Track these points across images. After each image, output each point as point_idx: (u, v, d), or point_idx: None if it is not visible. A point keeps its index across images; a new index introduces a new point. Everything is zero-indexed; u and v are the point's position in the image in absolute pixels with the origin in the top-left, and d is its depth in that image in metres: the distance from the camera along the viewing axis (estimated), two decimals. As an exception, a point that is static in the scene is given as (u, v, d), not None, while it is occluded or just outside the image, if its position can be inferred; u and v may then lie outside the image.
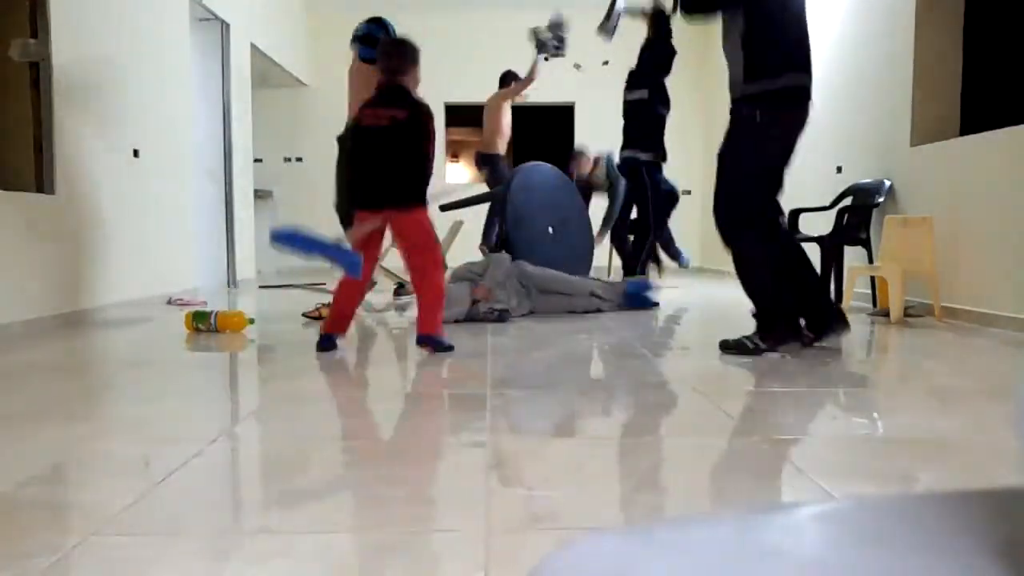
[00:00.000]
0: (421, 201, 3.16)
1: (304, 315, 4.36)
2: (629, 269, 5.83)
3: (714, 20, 3.20)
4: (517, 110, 6.87)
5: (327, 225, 4.82)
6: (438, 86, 7.62)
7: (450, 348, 3.17)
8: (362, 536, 1.27)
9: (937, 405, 2.22)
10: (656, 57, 5.12)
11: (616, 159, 6.00)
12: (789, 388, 2.49)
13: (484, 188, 6.75)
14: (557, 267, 4.74)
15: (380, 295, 5.74)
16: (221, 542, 1.23)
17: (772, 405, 2.26)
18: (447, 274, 3.82)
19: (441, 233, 3.83)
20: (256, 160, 8.05)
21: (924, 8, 4.59)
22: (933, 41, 4.60)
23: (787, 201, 3.24)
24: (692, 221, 9.11)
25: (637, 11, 5.11)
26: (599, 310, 4.65)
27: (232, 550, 1.20)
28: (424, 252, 3.20)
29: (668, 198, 5.54)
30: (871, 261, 4.77)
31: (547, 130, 10.81)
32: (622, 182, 6.05)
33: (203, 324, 3.78)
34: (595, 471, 1.62)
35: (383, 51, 3.25)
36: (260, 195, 8.18)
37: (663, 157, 5.40)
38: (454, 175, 13.07)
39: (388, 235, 3.31)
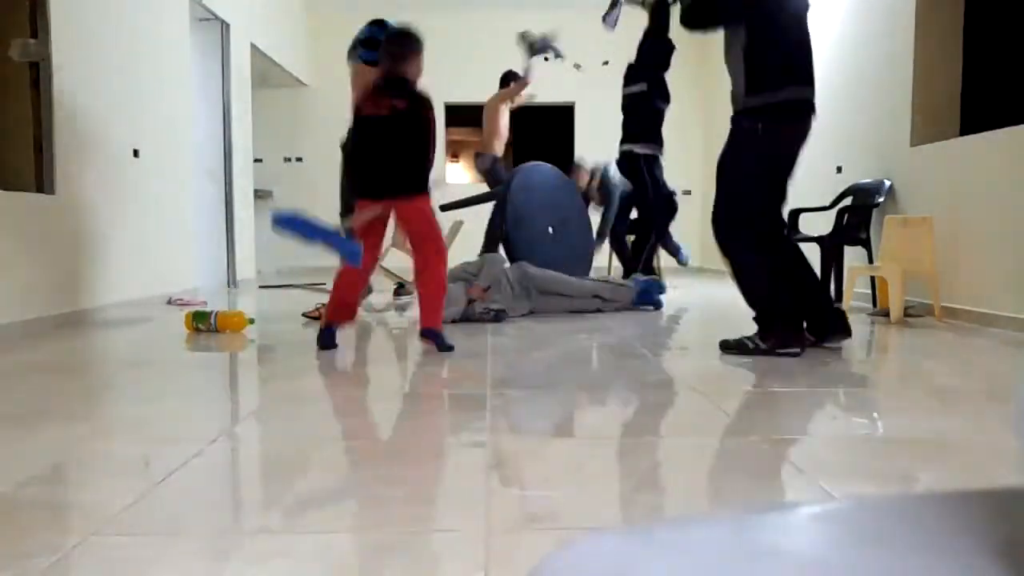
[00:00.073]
0: (423, 189, 3.16)
1: (304, 315, 4.36)
2: (629, 271, 5.83)
3: (714, 33, 3.21)
4: (517, 110, 6.86)
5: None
6: (438, 86, 7.60)
7: (450, 348, 3.17)
8: (362, 536, 1.27)
9: (937, 405, 2.22)
10: (655, 52, 5.11)
11: (612, 171, 6.02)
12: (789, 388, 2.49)
13: (484, 188, 6.75)
14: (557, 267, 4.74)
15: (380, 295, 5.74)
16: (221, 542, 1.23)
17: (772, 405, 2.26)
18: None
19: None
20: (256, 160, 8.05)
21: (924, 8, 4.59)
22: (933, 41, 4.60)
23: (787, 201, 3.24)
24: (692, 221, 9.11)
25: (639, 1, 5.10)
26: (599, 311, 4.65)
27: (232, 550, 1.20)
28: (427, 241, 3.19)
29: (667, 204, 5.51)
30: (871, 261, 4.77)
31: (547, 130, 10.80)
32: (617, 194, 6.09)
33: (203, 324, 3.78)
34: (595, 471, 1.62)
35: (386, 40, 3.25)
36: (260, 195, 8.17)
37: (660, 150, 5.39)
38: (454, 175, 13.07)
39: (388, 235, 3.31)
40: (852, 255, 4.96)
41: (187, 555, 1.19)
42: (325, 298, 3.68)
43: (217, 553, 1.19)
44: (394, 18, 4.59)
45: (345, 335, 3.77)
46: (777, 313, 3.08)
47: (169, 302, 5.19)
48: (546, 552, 0.40)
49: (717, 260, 9.28)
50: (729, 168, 3.11)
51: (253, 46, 7.35)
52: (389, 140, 3.10)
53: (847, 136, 5.43)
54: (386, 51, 3.21)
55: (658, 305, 4.87)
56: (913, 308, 4.37)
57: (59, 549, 1.19)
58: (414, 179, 3.14)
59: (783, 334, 3.05)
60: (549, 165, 5.59)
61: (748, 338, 3.08)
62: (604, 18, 5.01)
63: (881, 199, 4.78)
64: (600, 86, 8.64)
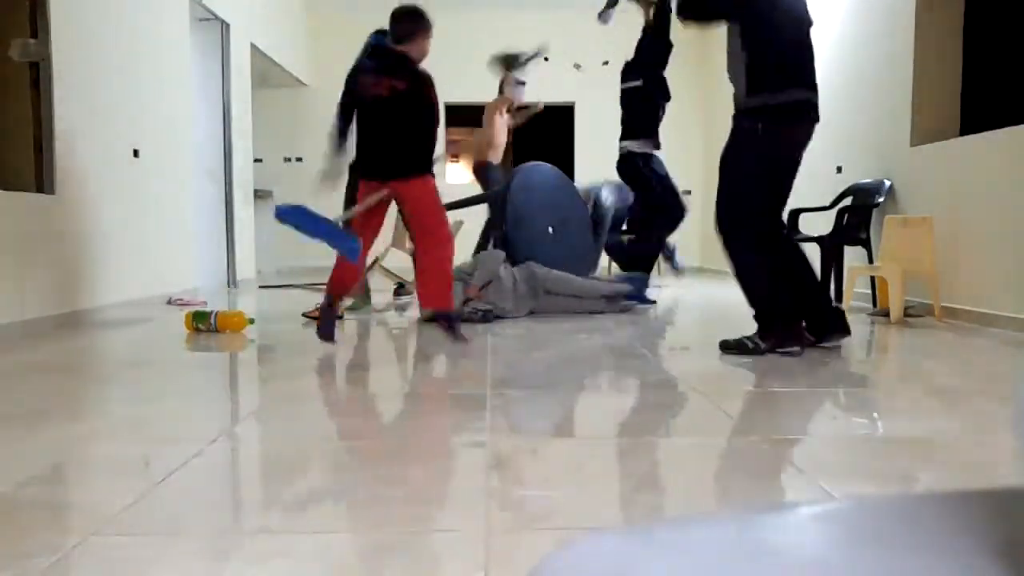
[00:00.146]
0: (426, 170, 3.14)
1: (304, 315, 4.36)
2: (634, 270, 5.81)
3: (708, 28, 3.21)
4: (522, 125, 6.85)
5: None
6: (438, 86, 7.62)
7: (464, 339, 3.10)
8: (362, 536, 1.27)
9: (937, 405, 2.22)
10: (653, 51, 5.10)
11: (604, 194, 6.07)
12: (789, 388, 2.49)
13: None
14: (557, 267, 4.74)
15: (380, 295, 5.74)
16: (221, 542, 1.23)
17: (772, 405, 2.26)
18: None
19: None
20: (256, 160, 8.05)
21: (924, 8, 4.59)
22: (933, 41, 4.60)
23: (787, 203, 3.24)
24: (692, 221, 9.06)
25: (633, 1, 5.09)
26: (601, 311, 4.65)
27: (232, 550, 1.20)
28: (431, 219, 3.13)
29: (676, 202, 5.45)
30: (871, 261, 4.76)
31: (547, 130, 10.80)
32: (609, 217, 6.15)
33: (203, 324, 3.78)
34: (595, 471, 1.62)
35: (395, 17, 3.22)
36: (260, 195, 8.17)
37: (656, 146, 5.36)
38: (454, 175, 13.07)
39: (388, 236, 3.31)
40: (852, 255, 4.96)
41: (187, 555, 1.19)
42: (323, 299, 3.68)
43: (217, 553, 1.19)
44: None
45: (346, 335, 3.77)
46: (776, 313, 3.08)
47: (169, 302, 5.19)
48: (546, 552, 0.39)
49: (717, 260, 9.29)
50: (730, 167, 3.12)
51: (253, 46, 7.35)
52: (390, 121, 3.07)
53: (847, 136, 5.43)
54: (394, 27, 3.18)
55: (643, 300, 4.88)
56: (913, 308, 4.37)
57: (59, 549, 1.19)
58: (417, 160, 3.11)
59: (782, 334, 3.05)
60: (549, 165, 5.58)
61: (748, 338, 3.08)
62: (600, 15, 5.01)
63: (881, 199, 4.78)
64: (600, 86, 8.64)
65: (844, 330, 3.19)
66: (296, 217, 2.94)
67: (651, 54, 5.09)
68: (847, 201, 5.06)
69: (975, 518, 0.38)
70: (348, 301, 4.76)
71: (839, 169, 5.52)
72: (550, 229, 5.26)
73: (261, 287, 6.85)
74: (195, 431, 1.94)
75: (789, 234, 3.26)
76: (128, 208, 4.89)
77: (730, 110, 3.15)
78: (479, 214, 6.68)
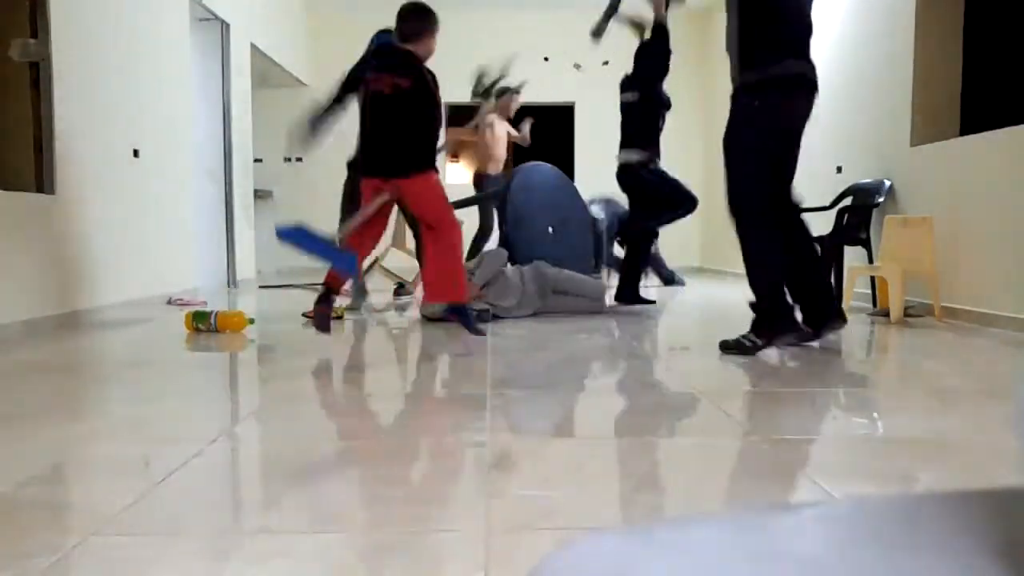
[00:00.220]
0: (429, 166, 3.13)
1: (304, 315, 4.36)
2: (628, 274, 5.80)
3: None
4: (518, 109, 6.87)
5: (326, 226, 4.83)
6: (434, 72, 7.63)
7: (482, 332, 3.08)
8: (362, 536, 1.27)
9: (937, 405, 2.22)
10: (651, 65, 5.08)
11: (594, 209, 6.10)
12: (789, 388, 2.49)
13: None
14: (558, 267, 4.74)
15: (380, 295, 5.74)
16: (221, 542, 1.23)
17: (772, 405, 2.26)
18: None
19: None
20: (256, 160, 8.05)
21: (924, 8, 4.59)
22: (933, 41, 4.60)
23: (793, 179, 3.22)
24: (692, 221, 9.10)
25: (628, 21, 5.09)
26: (601, 311, 4.65)
27: (232, 550, 1.20)
28: (438, 215, 3.12)
29: (685, 198, 5.43)
30: (871, 261, 4.77)
31: (547, 130, 10.80)
32: (604, 235, 6.20)
33: (203, 324, 3.78)
34: (595, 471, 1.62)
35: (402, 14, 3.22)
36: (260, 195, 8.17)
37: (656, 155, 5.35)
38: (454, 175, 13.07)
39: (388, 236, 3.31)
40: (852, 255, 4.96)
41: (187, 555, 1.19)
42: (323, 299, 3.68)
43: (217, 553, 1.19)
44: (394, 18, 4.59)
45: (346, 335, 3.77)
46: (774, 303, 3.06)
47: (169, 302, 5.19)
48: (546, 552, 0.39)
49: (717, 260, 9.28)
50: (732, 147, 3.10)
51: (253, 46, 7.35)
52: (392, 118, 3.07)
53: (847, 136, 5.43)
54: (401, 25, 3.17)
55: (643, 300, 4.94)
56: (913, 308, 4.37)
57: (59, 549, 1.19)
58: (419, 156, 3.10)
59: (777, 326, 3.04)
60: (549, 165, 5.59)
61: (744, 336, 3.07)
62: (593, 33, 4.98)
63: (881, 199, 4.78)
64: (600, 86, 8.64)
65: (840, 318, 3.18)
66: (296, 236, 3.01)
67: (649, 68, 5.08)
68: (847, 201, 5.06)
69: (975, 518, 0.38)
70: (346, 300, 4.77)
71: (839, 169, 5.52)
72: (550, 229, 5.27)
73: (261, 287, 6.85)
74: (195, 431, 1.94)
75: (800, 217, 3.22)
76: (128, 208, 4.89)
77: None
78: (477, 214, 6.70)
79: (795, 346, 3.14)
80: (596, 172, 8.61)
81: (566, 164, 8.34)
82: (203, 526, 1.31)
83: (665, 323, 4.37)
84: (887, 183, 4.82)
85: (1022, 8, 4.51)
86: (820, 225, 5.05)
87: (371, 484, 1.52)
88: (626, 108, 5.21)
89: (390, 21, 4.60)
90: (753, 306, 3.13)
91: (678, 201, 5.21)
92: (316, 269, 7.67)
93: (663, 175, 5.23)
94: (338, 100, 4.17)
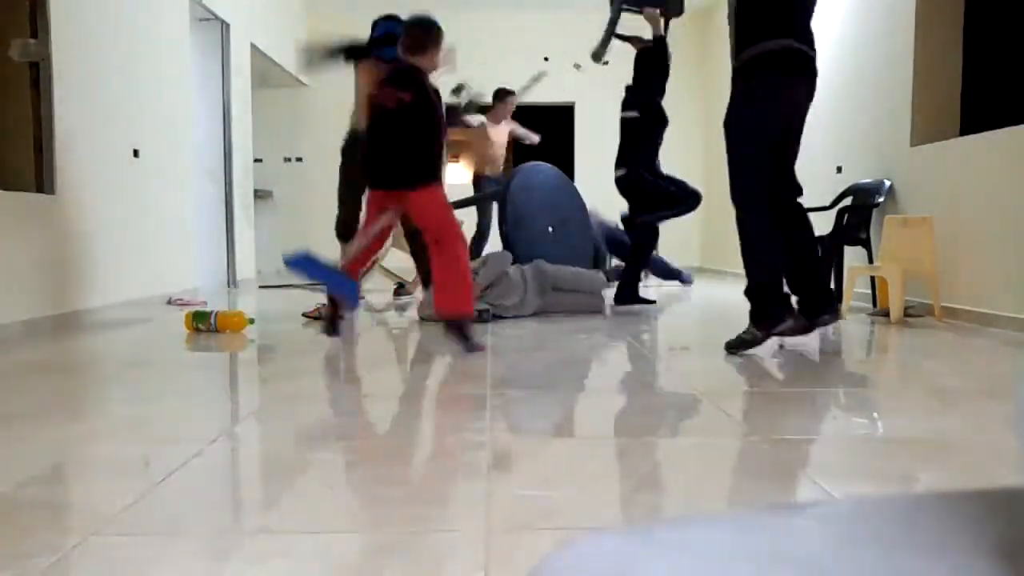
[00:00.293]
0: (434, 179, 3.15)
1: (304, 315, 4.36)
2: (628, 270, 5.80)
3: None
4: (518, 109, 6.88)
5: (326, 226, 4.83)
6: (438, 86, 7.64)
7: (479, 348, 3.10)
8: (362, 536, 1.27)
9: (937, 405, 2.22)
10: (651, 78, 5.05)
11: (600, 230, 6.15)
12: (789, 388, 2.49)
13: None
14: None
15: (380, 295, 5.74)
16: (221, 542, 1.23)
17: (772, 405, 2.26)
18: None
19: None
20: (256, 160, 8.05)
21: (924, 8, 4.59)
22: (933, 41, 4.60)
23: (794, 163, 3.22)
24: (692, 221, 9.10)
25: (627, 38, 5.08)
26: (600, 310, 4.66)
27: (232, 550, 1.20)
28: (444, 229, 3.13)
29: (688, 194, 5.40)
30: (871, 261, 4.77)
31: (547, 130, 10.80)
32: (603, 245, 6.24)
33: (203, 324, 3.78)
34: (595, 471, 1.62)
35: (409, 27, 3.24)
36: (260, 195, 8.17)
37: (648, 166, 5.34)
38: (454, 175, 13.07)
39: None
40: (852, 255, 4.96)
41: (187, 555, 1.19)
42: (324, 298, 3.69)
43: (217, 553, 1.19)
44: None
45: (345, 336, 3.77)
46: (770, 292, 3.05)
47: (169, 302, 5.19)
48: (546, 552, 0.40)
49: (717, 260, 9.28)
50: (732, 131, 3.09)
51: (253, 46, 7.35)
52: (397, 132, 3.09)
53: (847, 136, 5.43)
54: (407, 39, 3.19)
55: (643, 300, 4.96)
56: (913, 308, 4.37)
57: (59, 549, 1.19)
58: (425, 169, 3.12)
59: (775, 315, 3.03)
60: (549, 165, 5.59)
61: (745, 331, 3.06)
62: (594, 55, 4.96)
63: (881, 199, 4.78)
64: (600, 86, 8.63)
65: (835, 311, 3.15)
66: (302, 264, 3.14)
67: (649, 80, 5.06)
68: (847, 201, 5.06)
69: (975, 518, 0.38)
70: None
71: (839, 169, 5.52)
72: (550, 229, 5.27)
73: (261, 287, 6.85)
74: (195, 431, 1.94)
75: (800, 204, 3.20)
76: (128, 208, 4.89)
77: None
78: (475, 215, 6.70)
79: (795, 334, 3.10)
80: (596, 172, 8.61)
81: (566, 164, 8.35)
82: (203, 526, 1.31)
83: (665, 323, 4.37)
84: (887, 183, 4.82)
85: (1022, 8, 4.51)
86: (820, 225, 5.04)
87: (371, 484, 1.52)
88: (627, 125, 5.19)
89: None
90: (748, 295, 3.10)
91: (681, 198, 5.20)
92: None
93: (663, 175, 5.22)
94: (335, 55, 4.29)
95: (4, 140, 4.03)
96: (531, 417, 2.10)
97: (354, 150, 4.49)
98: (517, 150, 11.16)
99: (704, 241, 9.30)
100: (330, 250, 4.89)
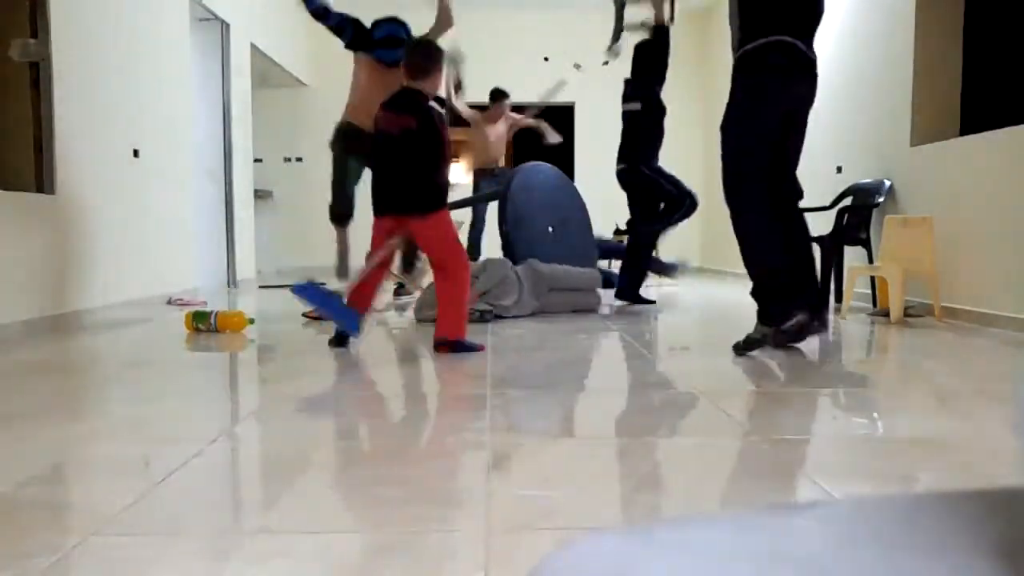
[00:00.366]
0: (438, 206, 3.15)
1: (304, 315, 4.36)
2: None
3: None
4: (517, 109, 6.89)
5: (326, 226, 4.83)
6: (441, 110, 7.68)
7: (479, 347, 3.13)
8: (362, 536, 1.27)
9: (937, 405, 2.22)
10: (651, 68, 5.06)
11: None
12: (789, 388, 2.49)
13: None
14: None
15: (380, 295, 5.73)
16: (221, 542, 1.23)
17: (772, 405, 2.26)
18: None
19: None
20: (256, 160, 8.05)
21: (924, 8, 4.59)
22: (933, 41, 4.60)
23: (794, 164, 3.20)
24: (692, 221, 9.09)
25: (637, 26, 5.09)
26: (596, 308, 4.67)
27: (232, 550, 1.20)
28: (448, 259, 3.15)
29: (684, 196, 5.40)
30: (871, 261, 4.77)
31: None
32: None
33: (203, 324, 3.78)
34: (595, 471, 1.62)
35: (411, 52, 3.24)
36: (260, 195, 8.17)
37: (647, 160, 5.34)
38: (454, 175, 13.07)
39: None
40: (852, 255, 4.96)
41: (187, 555, 1.19)
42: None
43: (217, 553, 1.19)
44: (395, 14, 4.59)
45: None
46: (775, 288, 3.03)
47: (169, 302, 5.19)
48: (546, 552, 0.40)
49: (717, 260, 9.27)
50: (729, 126, 3.08)
51: (253, 46, 7.35)
52: (402, 158, 3.09)
53: (847, 136, 5.43)
54: (408, 63, 3.20)
55: (643, 300, 4.97)
56: (913, 308, 4.37)
57: (59, 549, 1.19)
58: (427, 197, 3.12)
59: (781, 312, 3.01)
60: (549, 165, 5.59)
61: (753, 331, 3.04)
62: (608, 51, 4.98)
63: (881, 199, 4.78)
64: (600, 86, 8.64)
65: (822, 324, 3.12)
66: (307, 293, 3.20)
67: (649, 71, 5.07)
68: (847, 201, 5.06)
69: (975, 518, 0.38)
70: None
71: (839, 169, 5.52)
72: (550, 229, 5.27)
73: (261, 287, 6.85)
74: (195, 431, 1.94)
75: (798, 209, 3.18)
76: (128, 208, 4.89)
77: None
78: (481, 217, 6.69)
79: (804, 332, 3.07)
80: (596, 172, 8.61)
81: (566, 164, 8.35)
82: (203, 526, 1.31)
83: (665, 323, 4.37)
84: (887, 183, 4.82)
85: (1022, 8, 4.51)
86: (820, 225, 5.05)
87: (371, 484, 1.52)
88: (629, 117, 5.19)
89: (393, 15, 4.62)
90: (754, 295, 3.10)
91: (678, 199, 5.19)
92: (316, 269, 7.67)
93: (662, 172, 5.22)
94: (324, 20, 4.35)
95: (4, 140, 4.03)
96: (531, 417, 2.10)
97: (341, 142, 4.52)
98: (517, 150, 11.17)
99: (704, 241, 9.30)
100: (330, 250, 4.89)
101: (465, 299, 3.18)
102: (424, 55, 3.20)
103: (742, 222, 3.04)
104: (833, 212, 5.04)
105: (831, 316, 3.27)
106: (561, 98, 9.44)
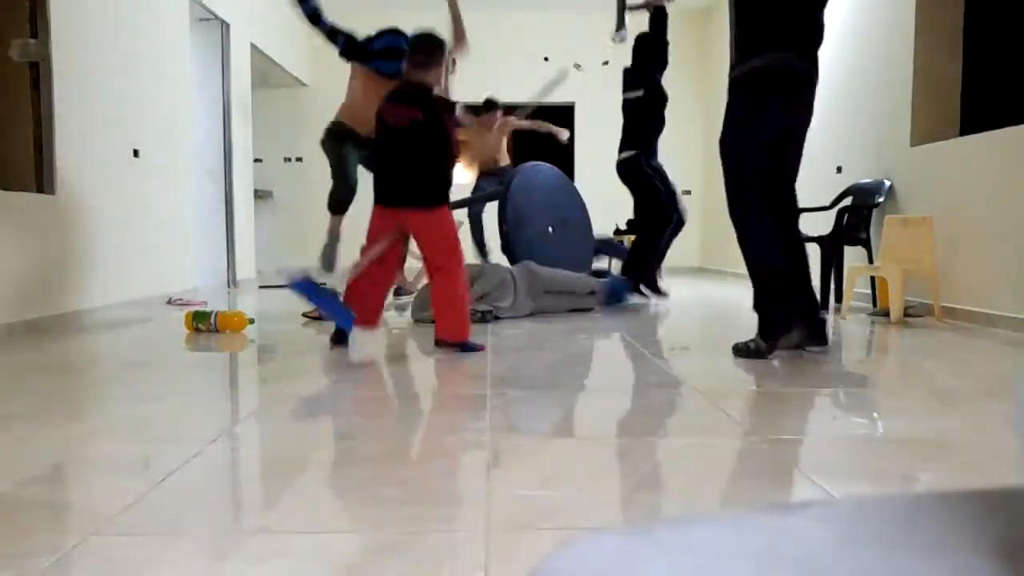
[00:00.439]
0: (440, 202, 3.14)
1: (304, 315, 4.36)
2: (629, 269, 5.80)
3: None
4: (510, 109, 6.89)
5: (325, 225, 4.83)
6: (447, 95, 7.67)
7: (480, 348, 3.12)
8: (362, 536, 1.27)
9: (937, 405, 2.22)
10: (653, 56, 5.08)
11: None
12: (789, 388, 2.49)
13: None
14: (557, 267, 4.75)
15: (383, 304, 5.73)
16: (221, 542, 1.23)
17: (772, 405, 2.26)
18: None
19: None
20: (256, 160, 8.05)
21: (924, 8, 4.59)
22: (933, 41, 4.60)
23: (792, 179, 3.20)
24: (692, 221, 9.08)
25: (639, 5, 5.08)
26: (591, 308, 4.68)
27: (232, 550, 1.20)
28: (443, 256, 3.13)
29: (673, 210, 5.39)
30: (871, 261, 4.77)
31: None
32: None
33: (203, 324, 3.78)
34: (595, 471, 1.62)
35: (413, 45, 3.23)
36: (260, 195, 8.17)
37: (649, 152, 5.34)
38: (455, 175, 13.07)
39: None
40: (852, 255, 4.96)
41: (187, 555, 1.19)
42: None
43: (217, 553, 1.19)
44: (394, 18, 4.60)
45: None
46: (772, 303, 3.03)
47: (169, 302, 5.19)
48: (546, 552, 0.40)
49: (717, 260, 9.28)
50: (727, 150, 3.07)
51: (253, 46, 7.35)
52: (408, 152, 3.08)
53: (847, 136, 5.43)
54: (412, 56, 3.18)
55: (620, 300, 4.97)
56: (913, 308, 4.37)
57: (59, 549, 1.19)
58: (431, 191, 3.11)
59: (780, 328, 3.01)
60: (549, 165, 5.59)
61: (751, 341, 3.04)
62: (614, 36, 4.98)
63: (881, 199, 4.78)
64: (600, 86, 8.64)
65: (822, 340, 3.09)
66: (303, 288, 3.13)
67: (650, 59, 5.08)
68: (847, 201, 5.06)
69: (975, 518, 0.38)
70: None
71: (839, 169, 5.52)
72: (550, 229, 5.27)
73: (261, 287, 6.85)
74: (195, 431, 1.94)
75: (796, 225, 3.17)
76: (128, 208, 4.89)
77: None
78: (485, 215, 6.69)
79: (802, 349, 3.08)
80: (596, 172, 8.61)
81: (566, 164, 8.35)
82: (203, 526, 1.31)
83: (665, 323, 4.37)
84: (887, 183, 4.82)
85: (1022, 8, 4.51)
86: (820, 225, 5.05)
87: (371, 484, 1.52)
88: (629, 105, 5.20)
89: (389, 21, 4.62)
90: (756, 306, 3.10)
91: (665, 209, 5.18)
92: (316, 269, 7.67)
93: (665, 179, 5.22)
94: (317, 25, 4.34)
95: (4, 140, 4.03)
96: (531, 417, 2.10)
97: (332, 140, 4.53)
98: (518, 150, 11.16)
99: (704, 241, 9.30)
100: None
101: (464, 298, 3.17)
102: (425, 52, 3.19)
103: (743, 228, 3.05)
104: (833, 212, 5.04)
105: (829, 330, 3.26)
106: (561, 98, 9.45)
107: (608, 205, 7.59)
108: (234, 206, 6.86)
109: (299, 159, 9.43)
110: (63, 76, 4.14)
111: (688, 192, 9.20)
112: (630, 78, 5.20)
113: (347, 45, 4.40)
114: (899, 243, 4.47)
